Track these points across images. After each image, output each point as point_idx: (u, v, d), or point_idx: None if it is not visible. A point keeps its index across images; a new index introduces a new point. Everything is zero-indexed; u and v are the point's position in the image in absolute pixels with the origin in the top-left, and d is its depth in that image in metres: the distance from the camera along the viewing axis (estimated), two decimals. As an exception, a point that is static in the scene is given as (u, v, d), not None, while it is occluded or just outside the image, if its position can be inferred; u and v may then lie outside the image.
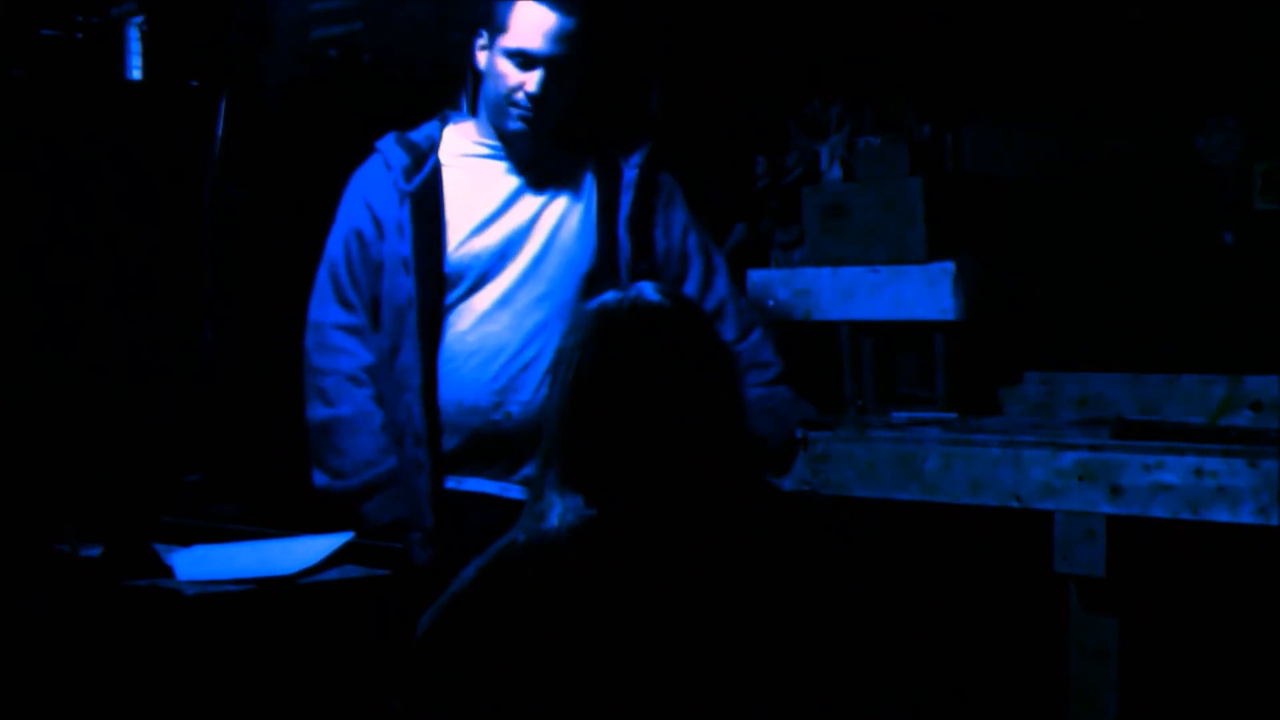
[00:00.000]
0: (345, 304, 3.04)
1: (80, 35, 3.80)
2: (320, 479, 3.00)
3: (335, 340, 3.04)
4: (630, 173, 3.05)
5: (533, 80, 2.94)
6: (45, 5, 3.76)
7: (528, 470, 2.88)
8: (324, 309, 3.06)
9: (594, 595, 2.00)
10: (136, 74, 3.97)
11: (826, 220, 3.91)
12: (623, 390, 2.02)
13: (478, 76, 3.06)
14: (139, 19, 3.95)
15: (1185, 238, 3.69)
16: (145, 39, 3.96)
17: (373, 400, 3.01)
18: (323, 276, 3.08)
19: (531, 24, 2.94)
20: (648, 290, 2.10)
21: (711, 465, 2.05)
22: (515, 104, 2.96)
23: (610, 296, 2.10)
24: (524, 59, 2.95)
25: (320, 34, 4.20)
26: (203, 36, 3.98)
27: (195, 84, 3.93)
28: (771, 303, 3.94)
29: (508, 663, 2.00)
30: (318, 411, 3.02)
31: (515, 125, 2.98)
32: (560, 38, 2.94)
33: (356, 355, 3.03)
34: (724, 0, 4.27)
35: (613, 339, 2.04)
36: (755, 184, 4.29)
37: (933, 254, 3.71)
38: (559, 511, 2.04)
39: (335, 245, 3.07)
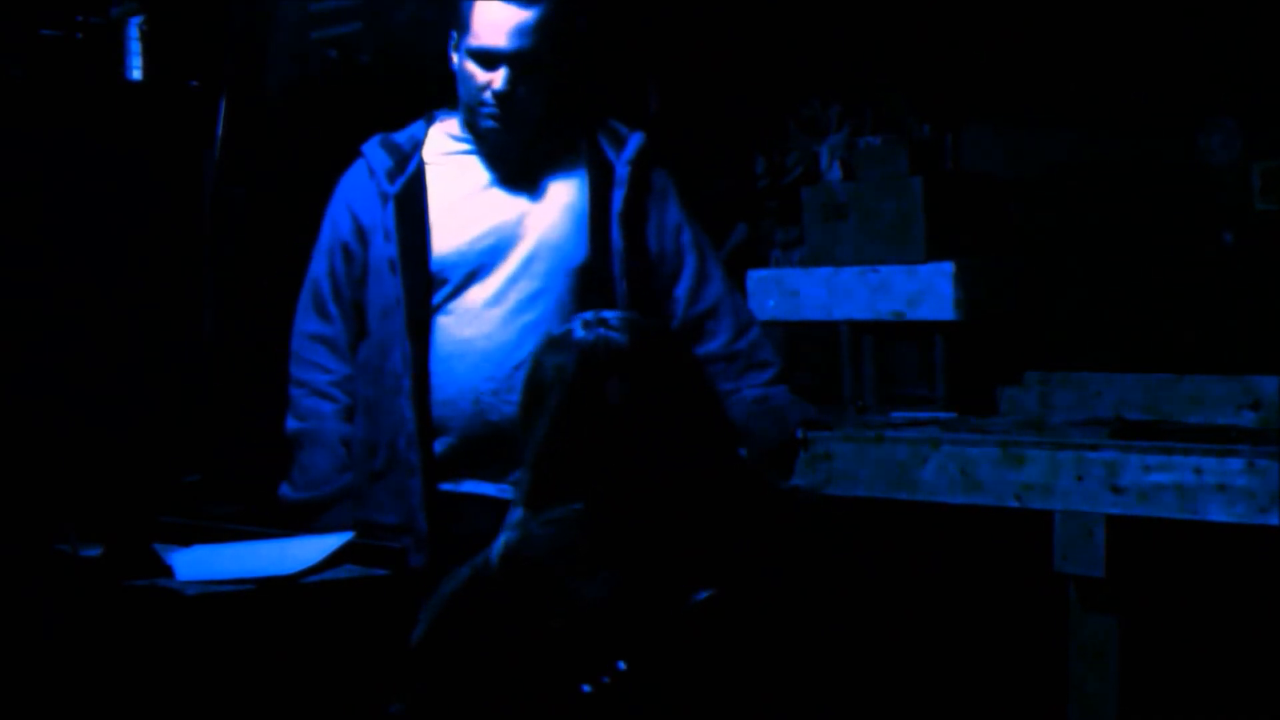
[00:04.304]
0: (324, 315, 3.05)
1: (80, 35, 3.80)
2: (282, 488, 3.04)
3: (309, 352, 3.06)
4: (623, 169, 3.03)
5: (499, 78, 2.91)
6: (45, 5, 3.76)
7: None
8: (303, 317, 3.08)
9: (587, 593, 2.00)
10: (136, 74, 3.97)
11: (826, 220, 3.91)
12: (607, 426, 2.10)
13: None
14: (139, 19, 3.95)
15: (1185, 238, 3.69)
16: (145, 39, 3.96)
17: (339, 415, 3.03)
18: (306, 285, 3.09)
19: (492, 21, 2.91)
20: (615, 326, 2.15)
21: (698, 473, 2.08)
22: (484, 103, 2.94)
23: (581, 333, 2.15)
24: (487, 57, 2.92)
25: (320, 34, 4.20)
26: (203, 36, 3.98)
27: (195, 84, 3.92)
28: (772, 302, 3.94)
29: (502, 662, 2.00)
30: (288, 423, 3.06)
31: (486, 124, 2.96)
32: (523, 32, 2.91)
33: (329, 369, 3.04)
34: (724, 0, 4.27)
35: (592, 383, 2.12)
36: (755, 184, 4.30)
37: (933, 254, 3.71)
38: (547, 514, 2.06)
39: (319, 255, 3.08)
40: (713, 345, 3.05)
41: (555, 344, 2.17)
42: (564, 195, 3.02)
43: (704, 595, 2.02)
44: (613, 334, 2.13)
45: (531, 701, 2.00)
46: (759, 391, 3.06)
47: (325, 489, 3.00)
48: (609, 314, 2.19)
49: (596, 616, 2.00)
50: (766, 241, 4.25)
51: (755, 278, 4.00)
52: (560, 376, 2.12)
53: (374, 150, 3.05)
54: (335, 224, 3.06)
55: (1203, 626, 3.08)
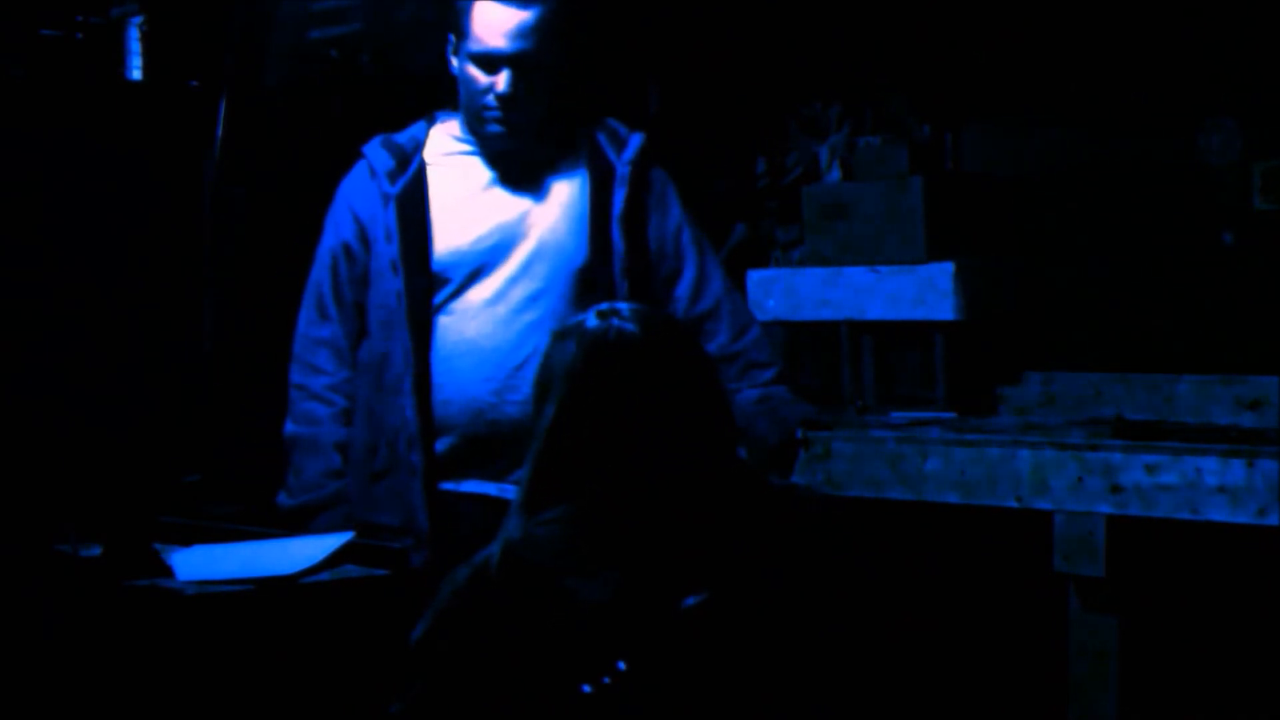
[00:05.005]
0: (325, 316, 3.05)
1: (80, 35, 3.81)
2: (279, 495, 3.04)
3: (310, 355, 3.05)
4: (623, 169, 3.03)
5: (501, 81, 2.91)
6: (45, 5, 3.76)
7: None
8: (305, 320, 3.08)
9: (587, 594, 2.00)
10: (136, 74, 3.98)
11: (826, 220, 3.91)
12: (611, 418, 2.08)
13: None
14: (139, 19, 3.96)
15: (1185, 238, 3.69)
16: (145, 39, 3.97)
17: (335, 420, 3.02)
18: (309, 287, 3.08)
19: (491, 24, 2.91)
20: (627, 316, 2.13)
21: (698, 473, 2.08)
22: (487, 107, 2.94)
23: (593, 322, 2.13)
24: (488, 61, 2.91)
25: (320, 34, 4.20)
26: (203, 36, 3.99)
27: (195, 84, 3.93)
28: (772, 302, 3.94)
29: (502, 662, 2.00)
30: (286, 427, 3.06)
31: (492, 128, 2.96)
32: (523, 33, 2.91)
33: (328, 372, 3.04)
34: (724, 0, 4.27)
35: (600, 372, 2.09)
36: (755, 184, 4.30)
37: (933, 254, 3.71)
38: (547, 513, 2.06)
39: (321, 257, 3.08)
40: (712, 346, 3.04)
41: (565, 334, 2.16)
42: (565, 195, 3.02)
43: (703, 595, 2.02)
44: (625, 324, 2.12)
45: (531, 701, 2.00)
46: (759, 391, 3.06)
47: (316, 494, 2.99)
48: (623, 305, 2.18)
49: (596, 617, 2.00)
50: (766, 241, 4.25)
51: (755, 278, 4.00)
52: (569, 366, 2.11)
53: (375, 151, 3.05)
54: (337, 225, 3.06)
55: (1203, 626, 3.08)
